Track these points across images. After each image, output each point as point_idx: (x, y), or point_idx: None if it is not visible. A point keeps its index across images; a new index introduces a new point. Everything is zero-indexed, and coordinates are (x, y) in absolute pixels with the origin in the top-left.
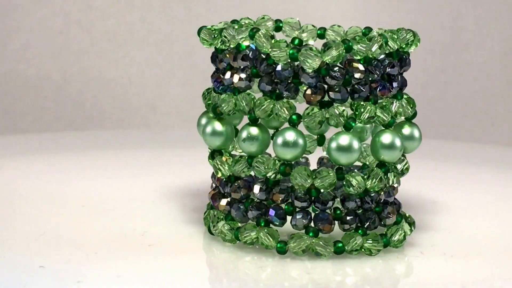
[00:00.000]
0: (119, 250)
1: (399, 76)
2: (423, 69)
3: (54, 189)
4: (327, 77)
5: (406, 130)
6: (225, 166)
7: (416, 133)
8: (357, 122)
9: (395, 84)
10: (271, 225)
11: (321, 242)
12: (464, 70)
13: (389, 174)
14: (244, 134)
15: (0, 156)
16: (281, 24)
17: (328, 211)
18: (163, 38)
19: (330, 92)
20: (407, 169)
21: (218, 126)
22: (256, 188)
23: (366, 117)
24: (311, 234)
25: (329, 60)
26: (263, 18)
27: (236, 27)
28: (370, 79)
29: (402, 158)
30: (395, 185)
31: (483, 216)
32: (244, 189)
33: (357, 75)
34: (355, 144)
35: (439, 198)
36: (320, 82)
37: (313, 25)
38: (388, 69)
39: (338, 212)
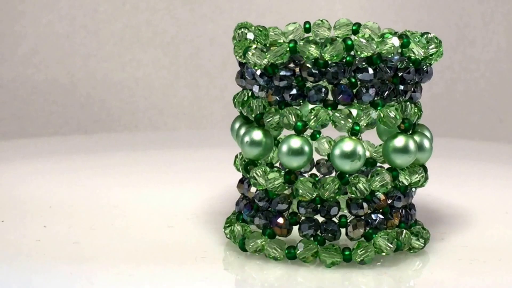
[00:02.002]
0: (131, 256)
1: (411, 85)
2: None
3: (64, 192)
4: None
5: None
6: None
7: (426, 143)
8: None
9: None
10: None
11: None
12: (471, 67)
13: (398, 179)
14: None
15: (10, 160)
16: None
17: (335, 219)
18: (169, 40)
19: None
20: (416, 183)
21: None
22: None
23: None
24: (316, 243)
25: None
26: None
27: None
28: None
29: (416, 170)
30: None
31: (492, 214)
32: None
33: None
34: (360, 150)
35: (445, 196)
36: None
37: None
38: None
39: (343, 220)
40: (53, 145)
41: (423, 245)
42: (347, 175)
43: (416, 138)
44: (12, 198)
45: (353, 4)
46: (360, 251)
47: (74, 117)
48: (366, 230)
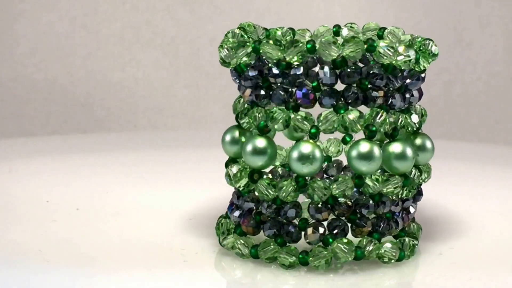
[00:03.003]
0: (128, 256)
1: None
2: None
3: (62, 191)
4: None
5: (418, 140)
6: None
7: (428, 144)
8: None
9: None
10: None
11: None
12: (468, 69)
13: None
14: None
15: (10, 159)
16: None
17: (296, 221)
18: (169, 40)
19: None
20: (390, 193)
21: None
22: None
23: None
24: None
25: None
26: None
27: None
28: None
29: (390, 179)
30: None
31: (487, 216)
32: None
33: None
34: (317, 153)
35: (442, 197)
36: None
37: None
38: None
39: (302, 223)
40: (52, 144)
41: (395, 258)
42: (303, 178)
43: (418, 140)
44: (10, 196)
45: (352, 6)
46: (314, 256)
47: (74, 116)
48: (325, 235)
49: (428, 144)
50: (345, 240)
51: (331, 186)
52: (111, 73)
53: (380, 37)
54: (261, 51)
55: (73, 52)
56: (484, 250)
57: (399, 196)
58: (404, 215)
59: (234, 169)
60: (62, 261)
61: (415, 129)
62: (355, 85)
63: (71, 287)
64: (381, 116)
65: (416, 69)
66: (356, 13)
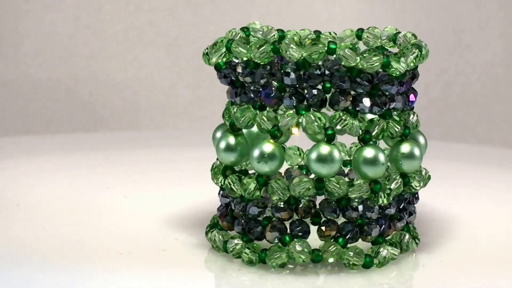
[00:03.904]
0: (127, 256)
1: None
2: (427, 69)
3: (65, 189)
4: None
5: (406, 147)
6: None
7: (416, 151)
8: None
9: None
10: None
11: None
12: (467, 71)
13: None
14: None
15: (13, 157)
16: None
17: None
18: (171, 41)
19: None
20: (398, 188)
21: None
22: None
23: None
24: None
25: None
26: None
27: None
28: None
29: (394, 177)
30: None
31: (486, 219)
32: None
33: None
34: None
35: (439, 198)
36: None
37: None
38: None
39: (265, 221)
40: (55, 143)
41: (359, 264)
42: (262, 177)
43: (406, 146)
44: (14, 194)
45: (352, 8)
46: (272, 255)
47: (77, 115)
48: (282, 235)
49: (416, 151)
50: (302, 242)
51: (289, 187)
52: (114, 73)
53: (359, 37)
54: (231, 51)
55: (76, 52)
56: (482, 251)
57: (377, 203)
58: (386, 223)
59: (215, 164)
60: (62, 260)
61: (398, 135)
62: (320, 87)
63: (70, 286)
64: (343, 119)
65: (392, 74)
66: (356, 15)
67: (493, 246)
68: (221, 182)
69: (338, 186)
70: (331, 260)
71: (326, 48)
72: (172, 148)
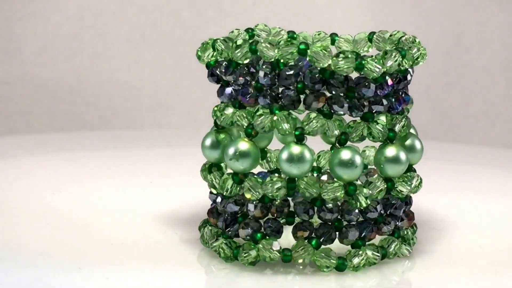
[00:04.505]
0: (127, 255)
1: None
2: (426, 71)
3: (67, 187)
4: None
5: (392, 151)
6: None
7: (402, 156)
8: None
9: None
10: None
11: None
12: (466, 73)
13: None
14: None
15: (17, 155)
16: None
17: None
18: (175, 42)
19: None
20: (380, 193)
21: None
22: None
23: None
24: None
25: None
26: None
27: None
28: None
29: (374, 183)
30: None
31: (486, 219)
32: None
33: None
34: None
35: (439, 200)
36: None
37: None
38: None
39: (240, 218)
40: (59, 142)
41: (329, 266)
42: (237, 175)
43: (393, 149)
44: (17, 191)
45: (353, 10)
46: (243, 252)
47: (80, 114)
48: (253, 233)
49: (402, 156)
50: (272, 240)
51: (263, 186)
52: (117, 73)
53: (370, 40)
54: (216, 50)
55: (80, 52)
56: (481, 251)
57: (356, 206)
58: (369, 227)
59: (206, 162)
60: (61, 259)
61: (381, 138)
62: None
63: (69, 285)
64: (314, 120)
65: (368, 76)
66: (357, 18)
67: (493, 246)
68: (209, 179)
69: (310, 186)
70: (300, 260)
71: (297, 49)
72: (174, 147)
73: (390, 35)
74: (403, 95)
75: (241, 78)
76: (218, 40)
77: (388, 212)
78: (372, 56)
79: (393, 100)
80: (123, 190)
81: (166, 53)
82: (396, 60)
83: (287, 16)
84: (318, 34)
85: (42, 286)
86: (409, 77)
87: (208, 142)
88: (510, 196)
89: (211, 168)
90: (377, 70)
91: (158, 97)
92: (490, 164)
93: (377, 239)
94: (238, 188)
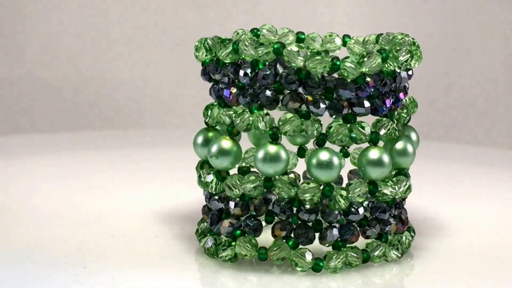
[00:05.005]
0: (127, 255)
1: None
2: (427, 71)
3: (70, 187)
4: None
5: (374, 153)
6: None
7: (385, 158)
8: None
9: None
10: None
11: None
12: (466, 73)
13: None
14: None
15: (20, 154)
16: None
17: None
18: (177, 42)
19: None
20: (362, 196)
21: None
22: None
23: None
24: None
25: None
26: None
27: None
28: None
29: (358, 184)
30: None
31: (486, 219)
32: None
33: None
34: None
35: (439, 201)
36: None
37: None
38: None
39: (224, 215)
40: (61, 142)
41: (303, 267)
42: (220, 173)
43: (384, 149)
44: (20, 190)
45: (355, 11)
46: (221, 249)
47: (83, 114)
48: (233, 230)
49: (385, 159)
50: (249, 238)
51: (241, 184)
52: (120, 73)
53: (345, 43)
54: (207, 49)
55: (83, 51)
56: (481, 251)
57: (335, 208)
58: (350, 229)
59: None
60: (62, 258)
61: (363, 140)
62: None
63: (68, 284)
64: (290, 121)
65: (346, 78)
66: (359, 18)
67: (493, 247)
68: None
69: (285, 187)
70: (276, 259)
71: (272, 49)
72: (176, 147)
73: (393, 37)
74: (392, 98)
75: (225, 78)
76: (208, 39)
77: (374, 216)
78: (348, 57)
79: (378, 102)
80: (126, 189)
81: (169, 54)
82: (375, 62)
83: (287, 16)
84: (330, 36)
85: (42, 285)
86: (402, 79)
87: (199, 140)
88: (510, 196)
89: (203, 166)
90: (354, 71)
91: (161, 97)
92: (490, 164)
93: (363, 243)
94: (221, 186)
